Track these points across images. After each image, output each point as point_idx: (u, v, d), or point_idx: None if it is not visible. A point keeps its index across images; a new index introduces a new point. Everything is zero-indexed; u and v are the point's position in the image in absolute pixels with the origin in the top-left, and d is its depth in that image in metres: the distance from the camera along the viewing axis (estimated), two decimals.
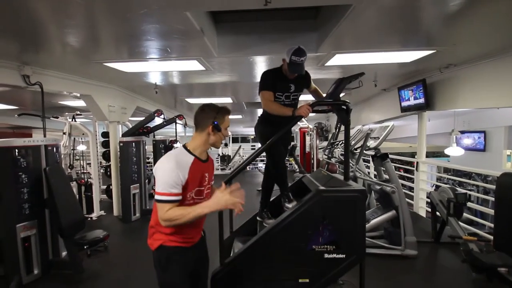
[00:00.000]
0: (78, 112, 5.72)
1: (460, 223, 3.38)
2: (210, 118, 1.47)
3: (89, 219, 4.92)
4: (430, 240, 3.66)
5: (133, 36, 2.71)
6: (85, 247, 3.44)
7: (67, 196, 3.07)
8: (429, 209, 4.11)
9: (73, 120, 5.39)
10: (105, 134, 5.85)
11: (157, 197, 1.38)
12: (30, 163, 2.90)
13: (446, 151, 5.14)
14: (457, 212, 3.32)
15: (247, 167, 11.68)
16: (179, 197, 1.39)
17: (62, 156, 4.65)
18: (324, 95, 2.50)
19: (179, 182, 1.38)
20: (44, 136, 3.31)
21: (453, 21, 2.50)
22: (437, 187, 4.99)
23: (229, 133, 1.86)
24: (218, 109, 1.50)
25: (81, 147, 5.95)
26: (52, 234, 3.10)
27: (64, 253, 3.23)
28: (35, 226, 2.93)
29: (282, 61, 2.23)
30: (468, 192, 3.51)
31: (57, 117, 5.34)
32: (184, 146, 1.50)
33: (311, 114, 2.27)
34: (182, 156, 1.45)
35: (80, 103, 5.56)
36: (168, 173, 1.36)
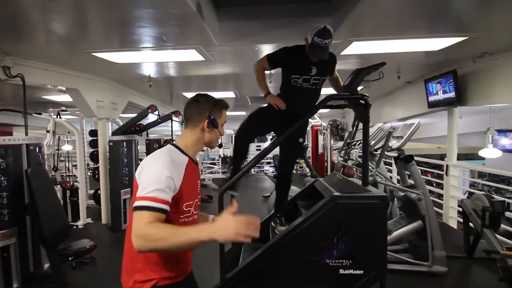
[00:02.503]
0: (64, 108, 5.80)
1: (497, 235, 3.32)
2: (206, 111, 1.33)
3: (74, 227, 4.97)
4: (462, 255, 3.61)
5: (125, 23, 2.73)
6: (69, 258, 3.48)
7: (50, 201, 3.11)
8: (461, 220, 4.05)
9: (58, 116, 5.46)
10: (93, 133, 5.91)
11: (137, 202, 1.11)
12: (10, 164, 2.93)
13: (481, 153, 5.07)
14: (493, 223, 3.26)
15: (252, 170, 11.72)
16: (167, 207, 1.14)
17: (45, 157, 4.72)
18: None
19: (171, 186, 1.16)
20: (26, 134, 3.36)
21: (490, 2, 2.45)
22: (470, 194, 4.92)
23: (223, 132, 1.89)
24: (216, 101, 1.38)
25: (66, 147, 6.03)
26: (33, 243, 3.13)
27: (46, 265, 3.26)
28: (14, 235, 2.96)
29: (305, 40, 2.22)
30: (507, 200, 3.45)
31: (40, 114, 5.41)
32: (174, 145, 1.34)
33: (324, 110, 2.29)
34: (175, 154, 1.28)
35: (66, 98, 5.63)
36: (159, 171, 1.15)
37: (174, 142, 1.39)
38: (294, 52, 2.30)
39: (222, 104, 1.41)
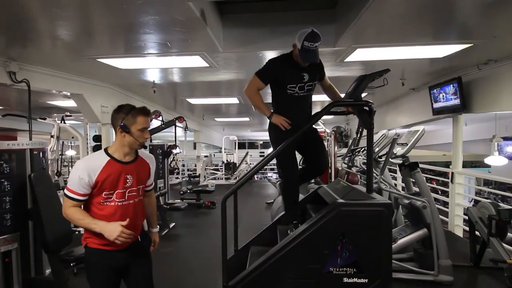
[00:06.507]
0: (68, 113, 5.85)
1: (504, 244, 3.28)
2: (119, 119, 1.69)
3: (76, 232, 4.96)
4: (468, 264, 3.57)
5: (130, 29, 2.77)
6: (71, 264, 3.46)
7: (53, 206, 3.11)
8: (467, 228, 4.01)
9: (62, 122, 5.51)
10: (97, 138, 5.94)
11: (64, 190, 1.67)
12: (14, 168, 2.95)
13: (487, 161, 5.03)
14: (500, 232, 3.23)
15: (255, 177, 11.72)
16: (82, 197, 1.65)
17: (49, 162, 4.75)
18: (343, 95, 2.49)
19: (83, 184, 1.62)
20: (30, 139, 3.38)
21: (494, 9, 2.46)
22: (476, 202, 4.87)
23: (147, 135, 1.81)
24: (130, 110, 1.69)
25: (70, 152, 6.07)
26: (35, 249, 3.13)
27: (48, 271, 3.25)
28: (17, 240, 2.96)
29: (293, 47, 2.23)
30: None
31: (45, 119, 5.47)
32: (105, 149, 1.74)
33: (328, 117, 2.29)
34: (96, 157, 1.73)
35: (70, 103, 5.70)
36: (75, 172, 1.63)
37: (108, 146, 1.77)
38: (283, 61, 2.28)
39: (137, 111, 1.70)
